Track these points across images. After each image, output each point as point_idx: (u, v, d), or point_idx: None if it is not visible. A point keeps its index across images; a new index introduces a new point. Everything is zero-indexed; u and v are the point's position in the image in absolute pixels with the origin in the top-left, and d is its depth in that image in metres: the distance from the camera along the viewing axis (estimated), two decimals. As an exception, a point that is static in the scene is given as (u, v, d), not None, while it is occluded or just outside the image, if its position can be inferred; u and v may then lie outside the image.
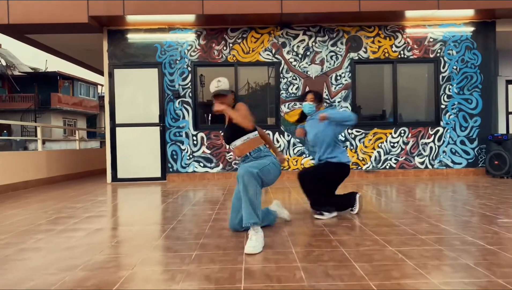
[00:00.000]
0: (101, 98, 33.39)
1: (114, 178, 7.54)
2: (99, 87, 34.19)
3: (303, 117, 4.18)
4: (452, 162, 7.55)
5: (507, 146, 7.01)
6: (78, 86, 31.76)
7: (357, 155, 7.53)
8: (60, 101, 28.43)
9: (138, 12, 6.90)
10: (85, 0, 6.83)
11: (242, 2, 6.81)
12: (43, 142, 25.46)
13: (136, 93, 7.56)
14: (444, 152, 7.55)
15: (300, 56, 7.56)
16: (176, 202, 5.03)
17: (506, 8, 6.91)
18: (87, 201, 5.31)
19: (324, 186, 3.88)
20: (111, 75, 7.57)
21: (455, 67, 7.54)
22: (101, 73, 11.28)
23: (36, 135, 26.87)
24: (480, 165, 7.53)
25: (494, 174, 7.11)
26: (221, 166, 7.58)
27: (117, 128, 7.54)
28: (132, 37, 7.52)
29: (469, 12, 7.16)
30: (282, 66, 7.56)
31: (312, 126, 4.01)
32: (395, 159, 7.55)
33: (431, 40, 7.55)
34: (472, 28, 7.52)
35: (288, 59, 7.57)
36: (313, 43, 7.56)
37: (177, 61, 7.55)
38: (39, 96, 27.99)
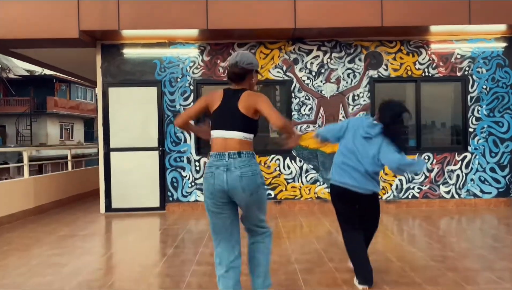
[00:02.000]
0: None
1: (108, 207, 6.82)
2: (97, 89, 33.45)
3: None
4: (481, 191, 6.85)
5: (544, 176, 6.32)
6: (75, 89, 31.00)
7: (376, 183, 6.82)
8: (56, 105, 27.68)
9: (135, 26, 6.18)
10: (75, 12, 6.11)
11: (251, 16, 6.09)
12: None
13: (133, 114, 6.84)
14: (472, 180, 6.85)
15: (313, 73, 6.85)
16: (178, 255, 4.30)
17: (545, 23, 6.21)
18: (73, 247, 4.60)
19: None
20: (105, 95, 6.86)
21: (484, 86, 6.84)
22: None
23: (31, 143, 26.18)
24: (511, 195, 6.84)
25: (529, 207, 6.42)
26: (226, 194, 6.86)
27: (112, 153, 6.82)
28: (129, 52, 6.81)
29: (501, 27, 6.45)
30: (294, 84, 6.85)
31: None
32: (418, 188, 6.85)
33: (459, 56, 6.85)
34: (504, 44, 6.81)
35: (301, 77, 6.85)
36: (328, 60, 6.85)
37: (178, 79, 6.83)
38: (34, 99, 27.25)
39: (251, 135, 2.52)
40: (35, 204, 6.83)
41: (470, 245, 4.50)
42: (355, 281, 3.25)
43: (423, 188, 6.85)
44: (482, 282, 3.34)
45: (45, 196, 7.16)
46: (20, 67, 29.99)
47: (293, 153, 6.86)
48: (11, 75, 28.68)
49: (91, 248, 4.68)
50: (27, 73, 29.53)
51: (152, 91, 6.84)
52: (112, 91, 6.84)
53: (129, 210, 6.80)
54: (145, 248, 4.70)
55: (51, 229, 5.68)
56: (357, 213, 3.33)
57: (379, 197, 3.36)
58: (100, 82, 6.86)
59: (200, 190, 6.81)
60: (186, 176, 6.84)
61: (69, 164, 8.54)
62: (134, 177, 6.80)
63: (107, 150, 6.82)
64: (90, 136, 32.42)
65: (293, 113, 6.86)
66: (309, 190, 6.88)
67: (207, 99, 2.62)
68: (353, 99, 6.85)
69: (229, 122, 2.45)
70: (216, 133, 2.52)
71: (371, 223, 3.44)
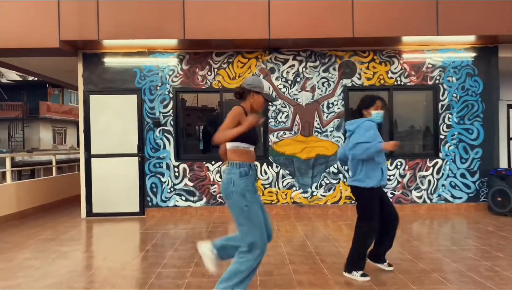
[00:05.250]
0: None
1: (89, 212, 6.98)
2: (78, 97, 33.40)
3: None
4: (452, 196, 7.06)
5: (510, 182, 6.53)
6: (68, 94, 31.12)
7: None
8: (49, 109, 27.75)
9: (114, 36, 6.38)
10: (56, 22, 6.30)
11: (227, 27, 6.31)
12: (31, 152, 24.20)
13: (113, 121, 7.02)
14: (443, 185, 7.07)
15: (289, 82, 7.06)
16: (147, 258, 4.47)
17: (510, 35, 6.45)
18: (49, 251, 4.76)
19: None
20: (86, 102, 7.03)
21: (455, 95, 7.07)
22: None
23: (23, 148, 26.16)
24: (481, 200, 7.05)
25: (497, 211, 6.63)
26: (204, 199, 7.05)
27: (93, 159, 6.99)
28: (109, 61, 6.99)
29: (470, 38, 6.70)
30: (270, 93, 7.04)
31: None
32: (391, 193, 7.05)
33: (430, 66, 7.08)
34: (473, 54, 7.05)
35: (277, 85, 7.07)
36: (304, 69, 7.06)
37: (158, 87, 7.02)
38: (27, 104, 27.30)
39: (235, 144, 2.88)
40: (18, 209, 6.99)
41: (430, 249, 4.70)
42: (355, 274, 3.61)
43: (396, 193, 7.06)
44: (429, 283, 3.54)
45: (28, 201, 7.31)
46: (13, 72, 30.05)
47: (270, 159, 7.05)
48: (3, 80, 28.76)
49: (67, 252, 4.83)
50: (19, 78, 29.61)
51: (132, 99, 7.02)
52: (93, 99, 7.02)
53: (110, 215, 6.95)
54: (118, 251, 4.86)
55: (30, 233, 5.83)
56: None
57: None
58: (82, 90, 7.03)
59: (178, 195, 6.99)
60: (165, 181, 7.02)
61: (54, 169, 8.69)
62: (114, 182, 6.97)
63: (88, 156, 6.99)
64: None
65: (270, 120, 7.05)
66: (285, 195, 7.07)
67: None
68: (328, 107, 7.05)
69: None
70: None
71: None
